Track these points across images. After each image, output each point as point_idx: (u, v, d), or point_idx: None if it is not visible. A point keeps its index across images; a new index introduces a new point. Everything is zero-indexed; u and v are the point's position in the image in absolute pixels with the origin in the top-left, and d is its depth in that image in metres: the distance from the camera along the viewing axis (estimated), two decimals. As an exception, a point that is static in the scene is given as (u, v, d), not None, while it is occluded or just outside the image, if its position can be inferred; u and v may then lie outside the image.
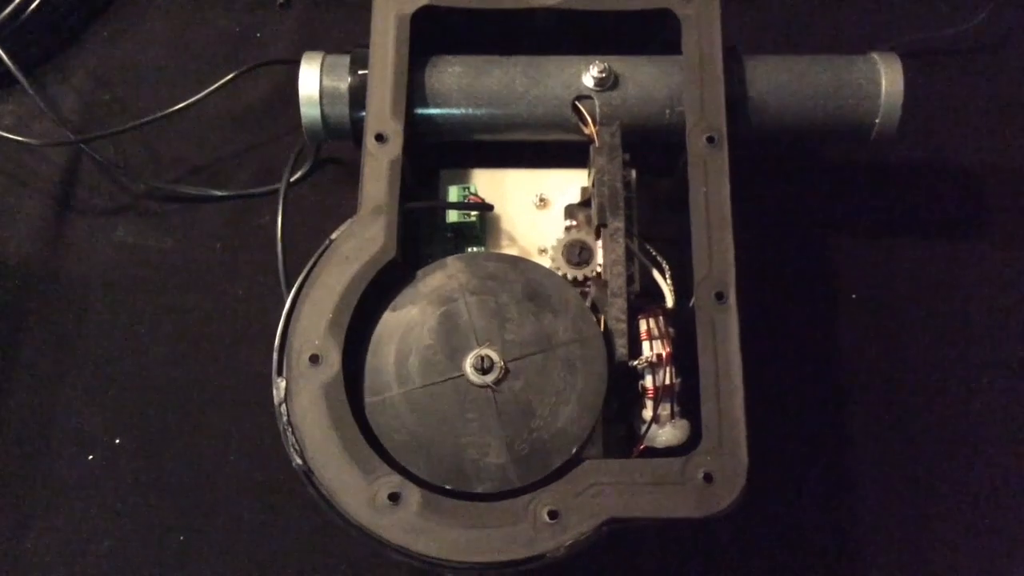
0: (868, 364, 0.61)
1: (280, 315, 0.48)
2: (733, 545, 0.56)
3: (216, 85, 0.64)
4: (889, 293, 0.63)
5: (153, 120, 0.64)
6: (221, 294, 0.62)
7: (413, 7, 0.54)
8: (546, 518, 0.44)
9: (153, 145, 0.66)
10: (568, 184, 0.55)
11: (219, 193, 0.65)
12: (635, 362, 0.48)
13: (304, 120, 0.56)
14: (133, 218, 0.64)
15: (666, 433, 0.48)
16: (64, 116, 0.67)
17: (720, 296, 0.49)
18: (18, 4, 0.67)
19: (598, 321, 0.49)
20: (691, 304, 0.49)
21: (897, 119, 0.56)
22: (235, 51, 0.69)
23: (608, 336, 0.49)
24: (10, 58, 0.65)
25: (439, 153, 0.57)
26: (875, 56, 0.56)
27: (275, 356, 0.48)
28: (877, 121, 0.56)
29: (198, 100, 0.64)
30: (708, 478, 0.45)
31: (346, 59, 0.56)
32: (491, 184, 0.55)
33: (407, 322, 0.48)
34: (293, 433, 0.46)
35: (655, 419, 0.48)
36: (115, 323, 0.61)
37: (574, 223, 0.53)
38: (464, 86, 0.55)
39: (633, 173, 0.52)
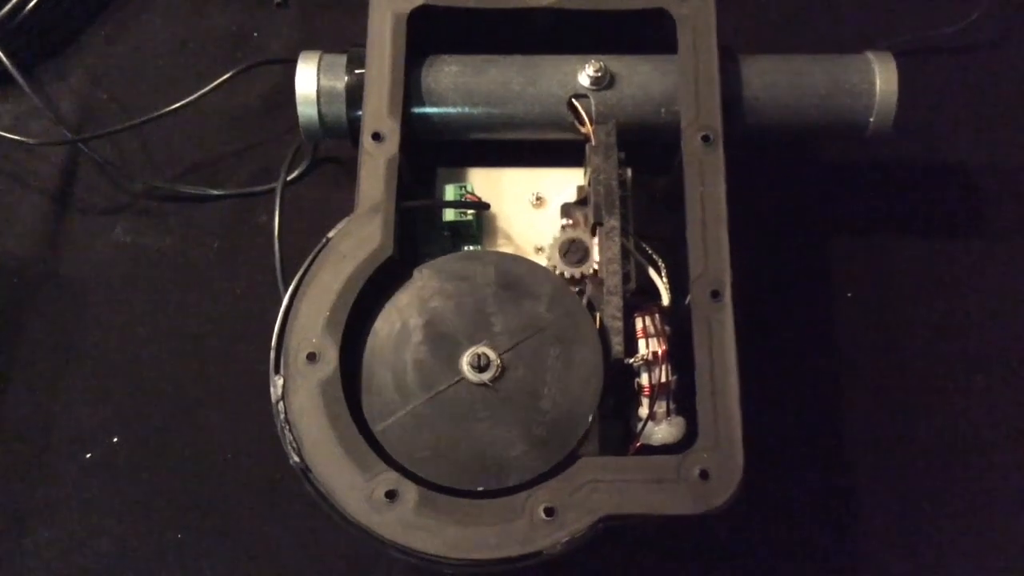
0: (864, 362, 0.61)
1: (278, 313, 0.48)
2: (729, 542, 0.56)
3: (214, 84, 0.64)
4: (885, 292, 0.63)
5: (151, 119, 0.64)
6: (219, 292, 0.62)
7: (410, 6, 0.54)
8: (542, 515, 0.45)
9: (151, 144, 0.66)
10: (564, 183, 0.56)
11: (217, 192, 0.65)
12: (631, 360, 0.48)
13: (301, 119, 0.56)
14: (131, 217, 0.65)
15: (662, 430, 0.48)
16: (62, 115, 0.67)
17: (716, 294, 0.49)
18: (16, 3, 0.67)
19: (593, 319, 0.49)
20: (687, 302, 0.49)
21: (891, 118, 0.56)
22: (232, 50, 0.69)
23: (604, 334, 0.49)
24: (8, 57, 0.65)
25: (436, 152, 0.57)
26: (869, 55, 0.57)
27: (272, 354, 0.48)
28: (872, 120, 0.56)
29: (196, 99, 0.64)
30: (704, 475, 0.46)
31: (343, 58, 0.56)
32: (487, 183, 0.56)
33: (393, 341, 0.48)
34: (290, 431, 0.46)
35: (651, 416, 0.48)
36: (113, 322, 0.61)
37: (570, 222, 0.53)
38: (461, 85, 0.55)
39: (629, 172, 0.53)
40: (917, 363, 0.61)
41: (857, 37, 0.68)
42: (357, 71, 0.55)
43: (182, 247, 0.64)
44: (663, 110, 0.55)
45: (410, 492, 0.45)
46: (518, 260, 0.51)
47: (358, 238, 0.49)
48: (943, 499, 0.58)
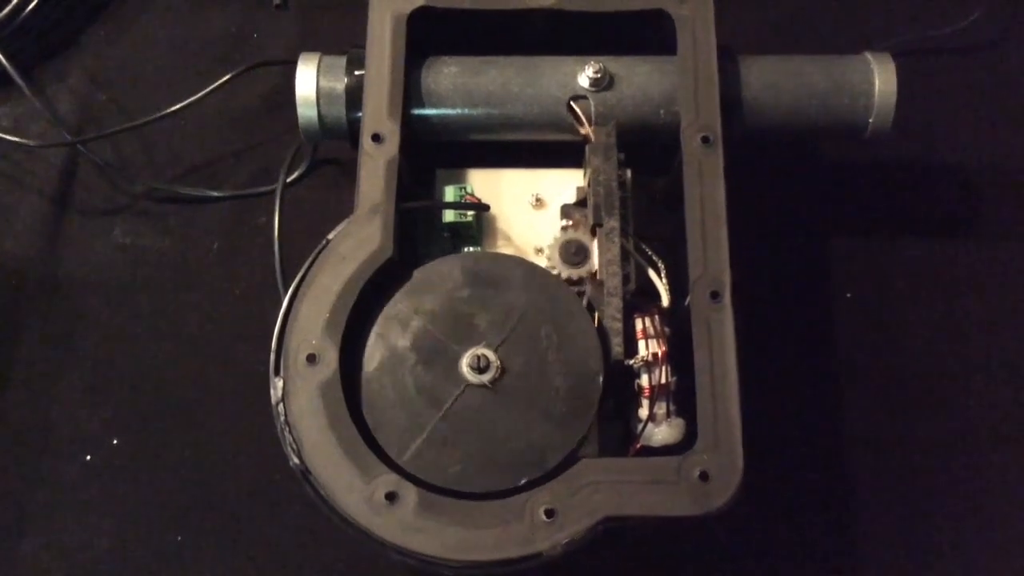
0: (863, 363, 0.61)
1: (277, 315, 0.48)
2: (729, 543, 0.56)
3: (213, 86, 0.64)
4: (884, 292, 0.63)
5: (150, 121, 0.64)
6: (218, 294, 0.62)
7: (409, 8, 0.54)
8: (543, 517, 0.45)
9: (150, 146, 0.66)
10: (564, 184, 0.55)
11: (216, 193, 0.65)
12: (631, 361, 0.48)
13: (301, 120, 0.56)
14: (130, 219, 0.65)
15: (662, 432, 0.48)
16: (61, 117, 0.67)
17: (715, 295, 0.49)
18: (15, 5, 0.67)
19: (593, 319, 0.49)
20: (687, 303, 0.49)
21: (891, 118, 0.56)
22: (232, 52, 0.69)
23: (604, 335, 0.49)
24: (7, 59, 0.65)
25: (435, 153, 0.57)
26: (868, 56, 0.57)
27: (272, 356, 0.48)
28: (871, 120, 0.56)
29: (195, 101, 0.63)
30: (704, 477, 0.46)
31: (343, 60, 0.56)
32: (487, 184, 0.56)
33: (391, 374, 0.48)
34: (290, 433, 0.46)
35: (651, 418, 0.48)
36: (113, 323, 0.61)
37: (570, 223, 0.53)
38: (460, 86, 0.55)
39: (629, 173, 0.53)
40: (917, 363, 0.61)
41: (856, 38, 0.68)
42: (357, 72, 0.55)
43: (181, 248, 0.63)
44: (662, 111, 0.55)
45: (410, 494, 0.45)
46: (482, 256, 0.51)
47: (358, 239, 0.49)
48: (943, 499, 0.58)
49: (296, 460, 0.46)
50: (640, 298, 0.50)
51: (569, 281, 0.51)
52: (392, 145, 0.51)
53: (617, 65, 0.56)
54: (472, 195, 0.54)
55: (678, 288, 0.50)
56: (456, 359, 0.48)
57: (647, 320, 0.49)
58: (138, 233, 0.64)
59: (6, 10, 0.67)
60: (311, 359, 0.47)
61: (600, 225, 0.50)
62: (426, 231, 0.55)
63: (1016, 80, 0.69)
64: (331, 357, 0.47)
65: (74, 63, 0.69)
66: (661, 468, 0.46)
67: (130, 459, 0.58)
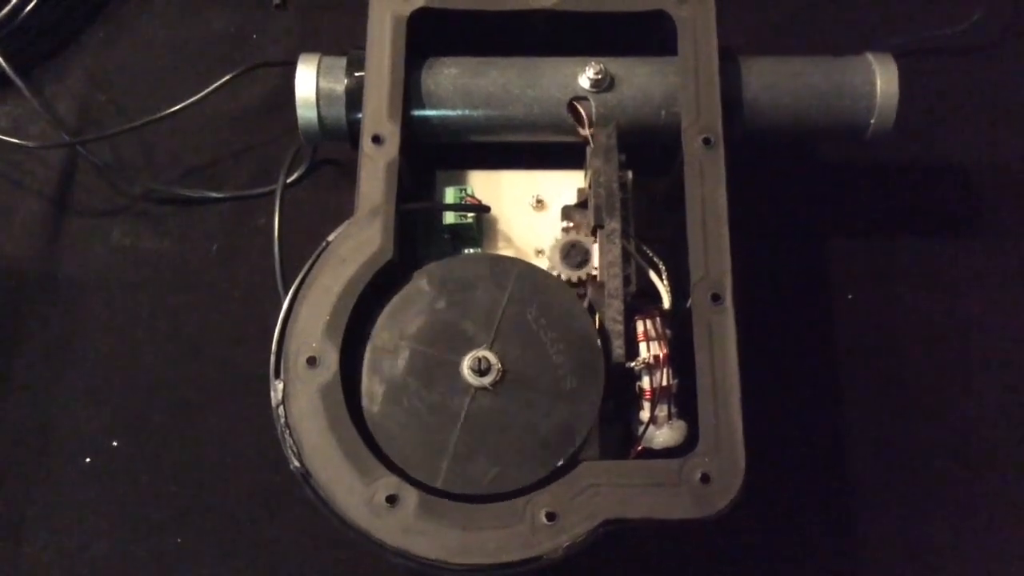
0: (865, 364, 0.61)
1: (277, 317, 0.48)
2: (730, 546, 0.56)
3: (213, 87, 0.64)
4: (886, 293, 0.63)
5: (149, 122, 0.64)
6: (218, 296, 0.62)
7: (409, 9, 0.54)
8: (543, 520, 0.44)
9: (149, 147, 0.66)
10: (564, 185, 0.55)
11: (216, 195, 0.65)
12: (632, 363, 0.48)
13: (301, 122, 0.56)
14: (129, 220, 0.64)
15: (663, 434, 0.48)
16: (60, 118, 0.67)
17: (716, 297, 0.49)
18: (14, 5, 0.67)
19: (594, 321, 0.49)
20: (688, 305, 0.49)
21: (892, 119, 0.56)
22: (231, 53, 0.69)
23: (605, 337, 0.49)
24: (6, 60, 0.65)
25: (436, 154, 0.57)
26: (870, 56, 0.57)
27: (272, 358, 0.48)
28: (872, 121, 0.56)
29: (195, 102, 0.63)
30: (705, 479, 0.45)
31: (343, 61, 0.56)
32: (487, 185, 0.55)
33: (397, 405, 0.47)
34: (291, 435, 0.46)
35: (652, 420, 0.48)
36: (112, 325, 0.61)
37: (571, 224, 0.53)
38: (460, 87, 0.55)
39: (629, 174, 0.52)
40: (917, 363, 0.61)
41: (857, 38, 0.68)
42: (357, 73, 0.55)
43: (181, 250, 0.63)
44: (663, 112, 0.55)
45: (410, 496, 0.45)
46: (454, 263, 0.51)
47: (358, 241, 0.49)
48: (943, 500, 0.58)
49: (296, 463, 0.46)
50: (641, 300, 0.50)
51: (570, 283, 0.51)
52: (392, 146, 0.51)
53: (618, 66, 0.56)
54: (472, 197, 0.54)
55: (679, 290, 0.50)
56: (456, 369, 0.48)
57: (648, 322, 0.49)
58: (137, 234, 0.64)
59: (5, 10, 0.67)
60: (311, 362, 0.47)
61: (601, 227, 0.50)
62: (426, 233, 0.55)
63: (1016, 80, 0.69)
64: (331, 359, 0.47)
65: (73, 64, 0.69)
66: (662, 471, 0.46)
67: (130, 461, 0.58)
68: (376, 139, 0.51)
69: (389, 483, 0.45)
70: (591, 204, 0.51)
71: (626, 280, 0.49)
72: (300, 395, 0.47)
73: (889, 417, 0.60)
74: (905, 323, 0.62)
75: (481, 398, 0.47)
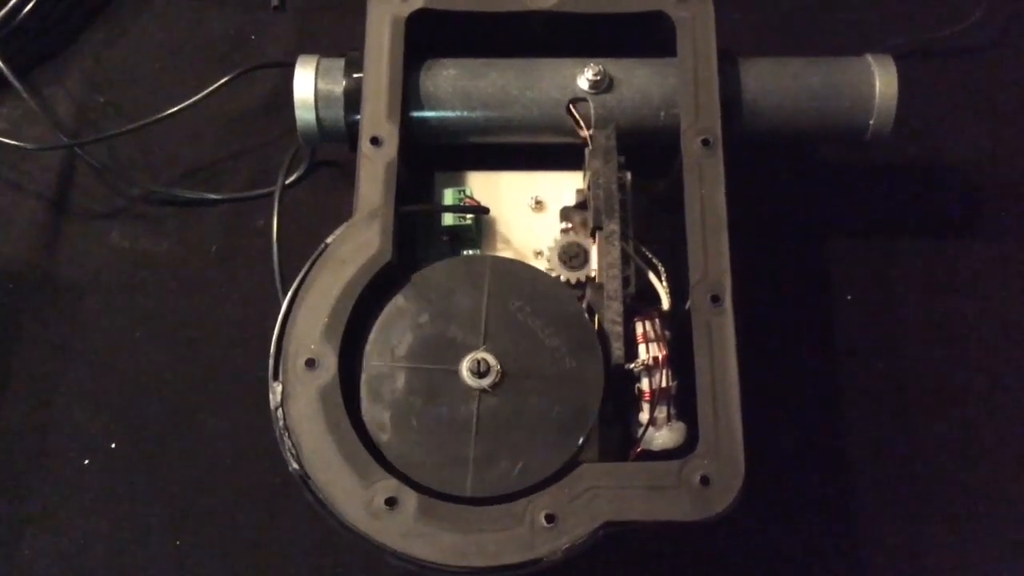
0: (864, 366, 0.61)
1: (276, 319, 0.48)
2: (729, 547, 0.56)
3: (211, 88, 0.64)
4: (885, 294, 0.63)
5: (148, 123, 0.64)
6: (217, 298, 0.62)
7: (408, 10, 0.54)
8: (543, 522, 0.44)
9: (148, 148, 0.66)
10: (563, 186, 0.55)
11: (214, 196, 0.65)
12: (631, 365, 0.48)
13: (299, 123, 0.56)
14: (128, 222, 0.64)
15: (663, 436, 0.48)
16: (59, 120, 0.67)
17: (716, 299, 0.49)
18: (12, 6, 0.67)
19: (593, 323, 0.49)
20: (687, 306, 0.49)
21: (891, 120, 0.56)
22: (230, 54, 0.69)
23: (604, 339, 0.49)
24: (4, 62, 0.65)
25: (434, 156, 0.57)
26: (869, 58, 0.57)
27: (271, 360, 0.48)
28: (871, 122, 0.56)
29: (193, 103, 0.63)
30: (705, 481, 0.45)
31: (341, 62, 0.56)
32: (486, 187, 0.55)
33: (407, 428, 0.47)
34: (289, 438, 0.46)
35: (651, 422, 0.48)
36: (110, 327, 0.61)
37: (570, 226, 0.53)
38: (459, 89, 0.55)
39: (628, 175, 0.52)
40: (917, 364, 0.61)
41: (857, 39, 0.68)
42: (355, 75, 0.55)
43: (179, 252, 0.63)
44: (662, 113, 0.55)
45: (410, 499, 0.45)
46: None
47: (357, 243, 0.49)
48: (943, 500, 0.58)
49: (295, 465, 0.46)
50: (640, 301, 0.50)
51: (569, 284, 0.51)
52: (391, 148, 0.51)
53: (617, 67, 0.55)
54: (471, 198, 0.54)
55: (678, 291, 0.50)
56: (455, 377, 0.47)
57: (647, 324, 0.49)
58: (136, 236, 0.64)
59: (3, 11, 0.66)
60: (310, 363, 0.47)
61: (600, 228, 0.50)
62: (425, 234, 0.55)
63: (1016, 81, 0.69)
64: (330, 362, 0.47)
65: (72, 65, 0.69)
66: (662, 472, 0.46)
67: (128, 463, 0.58)
68: (375, 141, 0.51)
69: (388, 486, 0.45)
70: (590, 205, 0.51)
71: (625, 281, 0.49)
72: (299, 397, 0.47)
73: (889, 417, 0.59)
74: (905, 323, 0.62)
75: (487, 399, 0.47)
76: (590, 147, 0.53)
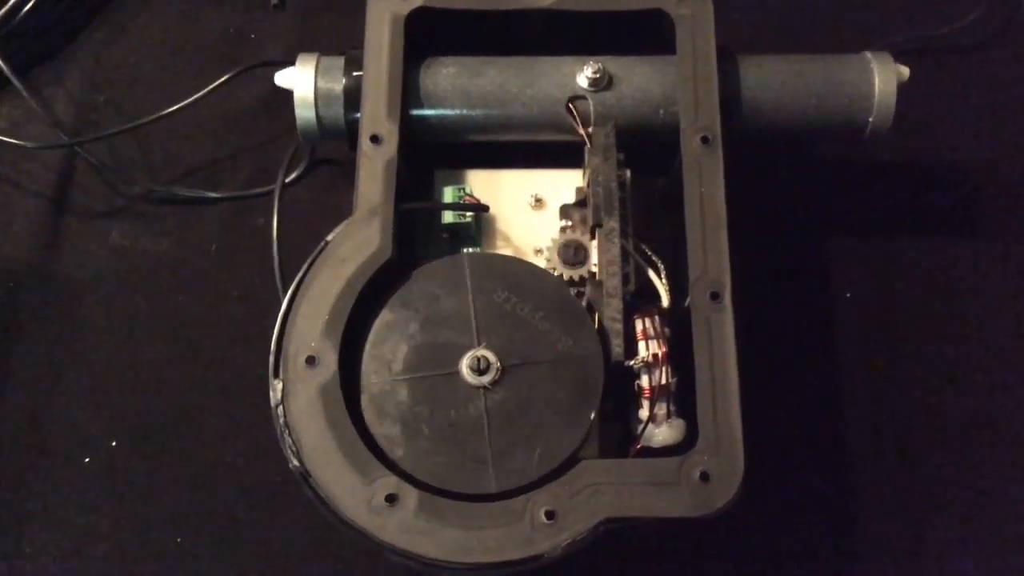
0: (864, 362, 0.61)
1: (276, 317, 0.48)
2: (729, 544, 0.56)
3: (211, 87, 0.64)
4: (884, 292, 0.63)
5: (148, 122, 0.64)
6: (217, 296, 0.62)
7: (408, 8, 0.54)
8: (543, 518, 0.44)
9: (148, 147, 0.66)
10: (563, 184, 0.55)
11: (214, 195, 0.65)
12: (631, 362, 0.48)
13: (299, 122, 0.56)
14: (128, 220, 0.64)
15: (662, 433, 0.48)
16: (58, 118, 0.67)
17: (715, 296, 0.49)
18: (12, 6, 0.67)
19: (593, 320, 0.49)
20: (687, 304, 0.49)
21: (891, 118, 0.56)
22: (229, 52, 0.69)
23: (604, 336, 0.49)
24: (4, 60, 0.65)
25: (434, 153, 0.57)
26: (868, 55, 0.57)
27: (271, 358, 0.48)
28: (871, 120, 0.56)
29: (193, 102, 0.63)
30: (704, 477, 0.45)
31: (341, 60, 0.56)
32: (486, 184, 0.55)
33: (419, 438, 0.47)
34: (290, 435, 0.46)
35: (651, 419, 0.48)
36: (110, 325, 0.61)
37: (569, 223, 0.53)
38: (459, 87, 0.55)
39: (628, 173, 0.52)
40: (917, 363, 0.61)
41: (856, 37, 0.68)
42: (355, 73, 0.55)
43: (179, 250, 0.63)
44: (662, 111, 0.55)
45: (410, 496, 0.45)
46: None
47: (357, 241, 0.49)
48: (943, 500, 0.58)
49: (295, 462, 0.46)
50: (640, 299, 0.50)
51: (569, 282, 0.51)
52: (391, 146, 0.51)
53: (616, 65, 0.56)
54: (471, 196, 0.54)
55: (678, 289, 0.50)
56: (457, 378, 0.47)
57: (647, 321, 0.49)
58: (136, 235, 0.64)
59: (3, 11, 0.66)
60: (310, 361, 0.47)
61: (600, 226, 0.50)
62: (425, 232, 0.55)
63: (1016, 79, 0.69)
64: (330, 359, 0.47)
65: (71, 64, 0.69)
66: (661, 469, 0.46)
67: (128, 461, 0.58)
68: (374, 139, 0.51)
69: (388, 482, 0.45)
70: (590, 203, 0.51)
71: (625, 279, 0.49)
72: (299, 395, 0.47)
73: (889, 416, 0.59)
74: (905, 323, 0.62)
75: (492, 394, 0.47)
76: (589, 145, 0.53)
